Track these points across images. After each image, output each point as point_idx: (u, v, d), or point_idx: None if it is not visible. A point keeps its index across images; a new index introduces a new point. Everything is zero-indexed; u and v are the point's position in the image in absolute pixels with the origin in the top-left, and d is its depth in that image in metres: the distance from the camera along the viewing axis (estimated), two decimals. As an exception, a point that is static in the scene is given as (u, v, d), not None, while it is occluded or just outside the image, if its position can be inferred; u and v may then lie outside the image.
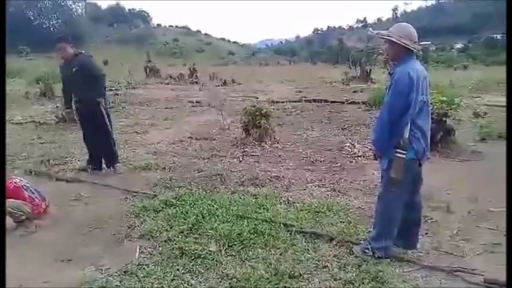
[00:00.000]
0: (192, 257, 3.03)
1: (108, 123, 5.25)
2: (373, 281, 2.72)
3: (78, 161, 5.81)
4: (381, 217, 3.06)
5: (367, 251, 3.04)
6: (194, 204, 4.00)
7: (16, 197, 3.73)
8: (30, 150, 6.51)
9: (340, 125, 8.75)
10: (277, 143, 6.93)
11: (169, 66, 30.08)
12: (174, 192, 4.42)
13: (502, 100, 10.12)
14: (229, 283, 2.74)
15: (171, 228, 3.52)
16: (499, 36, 54.30)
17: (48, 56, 31.35)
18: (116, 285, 2.73)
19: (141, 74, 21.99)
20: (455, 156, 6.01)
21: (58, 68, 5.61)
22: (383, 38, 2.95)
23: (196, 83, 19.75)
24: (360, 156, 6.14)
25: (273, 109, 9.06)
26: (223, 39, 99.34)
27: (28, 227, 3.66)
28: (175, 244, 3.22)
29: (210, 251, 3.11)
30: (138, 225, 3.64)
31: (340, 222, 3.69)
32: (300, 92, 15.53)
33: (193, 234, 3.40)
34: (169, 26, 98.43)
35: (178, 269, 2.88)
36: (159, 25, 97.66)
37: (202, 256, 3.03)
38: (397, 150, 2.80)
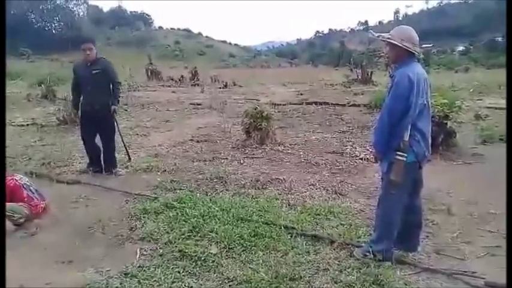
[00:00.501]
0: (193, 260, 3.03)
1: (118, 131, 5.26)
2: (374, 284, 2.72)
3: (79, 163, 5.83)
4: (381, 220, 3.06)
5: (368, 253, 3.03)
6: (195, 206, 4.00)
7: (15, 195, 3.75)
8: (32, 152, 6.51)
9: (341, 128, 8.74)
10: (278, 145, 6.93)
11: (171, 69, 30.15)
12: (175, 195, 4.42)
13: (504, 102, 10.09)
14: (230, 285, 2.74)
15: (171, 230, 3.52)
16: (500, 39, 54.21)
17: (49, 58, 31.43)
18: (116, 287, 2.73)
19: (142, 77, 21.97)
20: (456, 159, 6.01)
21: (73, 67, 5.46)
22: (384, 40, 2.96)
23: (197, 85, 19.76)
24: (361, 158, 6.13)
25: (274, 111, 9.04)
26: (224, 41, 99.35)
27: (28, 228, 3.66)
28: (176, 246, 3.22)
29: (211, 253, 3.11)
30: (138, 228, 3.65)
31: (341, 224, 3.69)
32: (301, 94, 15.49)
33: (194, 236, 3.40)
34: (171, 28, 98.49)
35: (178, 272, 2.88)
36: (160, 27, 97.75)
37: (202, 258, 3.03)
38: (398, 152, 2.81)
